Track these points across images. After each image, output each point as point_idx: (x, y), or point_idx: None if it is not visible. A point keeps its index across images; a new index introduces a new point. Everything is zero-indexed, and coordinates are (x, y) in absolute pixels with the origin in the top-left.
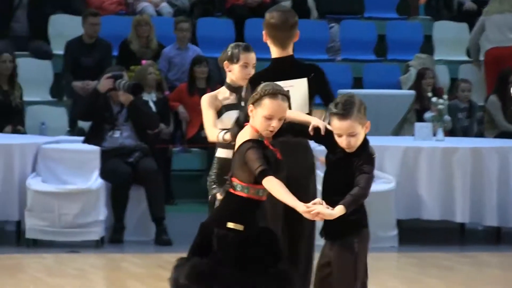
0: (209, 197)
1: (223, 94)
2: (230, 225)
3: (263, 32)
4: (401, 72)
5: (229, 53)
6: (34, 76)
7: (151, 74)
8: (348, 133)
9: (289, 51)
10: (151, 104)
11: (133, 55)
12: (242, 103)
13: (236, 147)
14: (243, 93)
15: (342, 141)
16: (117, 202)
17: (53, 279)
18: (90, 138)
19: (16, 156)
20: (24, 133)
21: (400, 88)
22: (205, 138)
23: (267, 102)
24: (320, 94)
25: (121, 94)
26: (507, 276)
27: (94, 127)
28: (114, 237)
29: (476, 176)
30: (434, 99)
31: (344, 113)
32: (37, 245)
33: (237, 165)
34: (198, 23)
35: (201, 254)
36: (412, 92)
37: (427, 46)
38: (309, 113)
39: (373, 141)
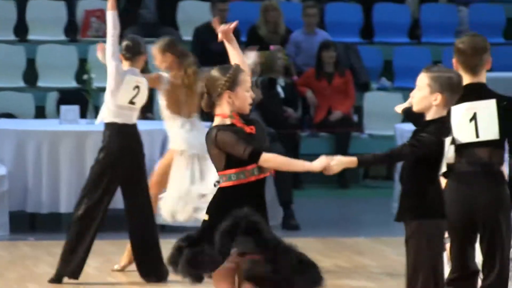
0: None
1: None
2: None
3: (453, 60)
4: None
5: None
6: None
7: (280, 59)
8: (416, 84)
9: (481, 78)
10: (279, 89)
11: (261, 40)
12: None
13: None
14: None
15: None
16: None
17: None
18: None
19: (145, 141)
20: (153, 119)
21: None
22: (333, 122)
23: (243, 77)
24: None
25: (255, 90)
26: None
27: None
28: None
29: None
30: None
31: (427, 66)
32: (165, 230)
33: (212, 156)
34: (326, 8)
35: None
36: None
37: None
38: (499, 141)
39: None
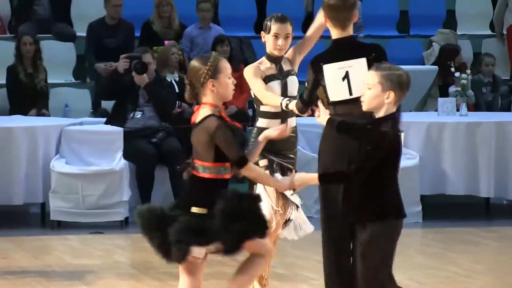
0: None
1: (264, 64)
2: (194, 209)
3: (322, 15)
4: (424, 48)
5: (264, 24)
6: (57, 58)
7: (174, 54)
8: (366, 83)
9: (349, 31)
10: (174, 84)
11: (156, 35)
12: (293, 78)
13: (197, 124)
14: (282, 63)
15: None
16: (143, 182)
17: (77, 260)
18: (113, 119)
19: (40, 138)
20: (48, 116)
21: (423, 63)
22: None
23: (223, 65)
24: None
25: (134, 75)
26: None
27: (117, 108)
28: None
29: (500, 150)
30: (457, 74)
31: (376, 65)
32: (61, 226)
33: (201, 144)
34: (220, 2)
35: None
36: (435, 67)
37: (450, 21)
38: None
39: None
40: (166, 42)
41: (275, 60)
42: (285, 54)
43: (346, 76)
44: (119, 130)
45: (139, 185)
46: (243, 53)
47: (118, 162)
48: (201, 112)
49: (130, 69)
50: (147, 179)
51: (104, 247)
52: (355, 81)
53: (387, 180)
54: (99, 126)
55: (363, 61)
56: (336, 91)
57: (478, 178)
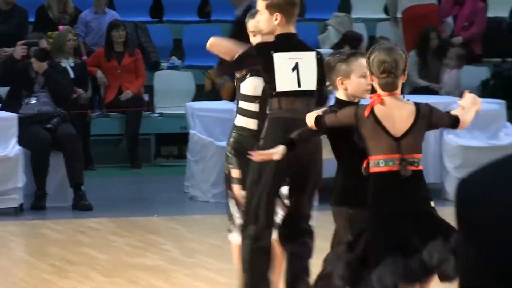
0: (225, 170)
1: None
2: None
3: (276, 13)
4: (319, 31)
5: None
6: None
7: (70, 40)
8: (363, 71)
9: (295, 28)
10: (69, 70)
11: (51, 20)
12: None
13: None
14: None
15: None
16: (38, 168)
17: None
18: (7, 105)
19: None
20: None
21: (318, 47)
22: (124, 102)
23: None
24: None
25: (34, 61)
26: None
27: (12, 94)
28: (36, 203)
29: None
30: None
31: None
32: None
33: (420, 135)
34: None
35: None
36: (332, 51)
37: (345, 4)
38: (315, 91)
39: None
40: (60, 27)
41: None
42: None
43: (296, 67)
44: (13, 116)
45: (34, 171)
46: (138, 38)
47: (13, 148)
48: (400, 103)
49: (28, 55)
50: (42, 165)
51: None
52: (304, 73)
53: None
54: None
55: (312, 55)
56: (285, 80)
57: None
